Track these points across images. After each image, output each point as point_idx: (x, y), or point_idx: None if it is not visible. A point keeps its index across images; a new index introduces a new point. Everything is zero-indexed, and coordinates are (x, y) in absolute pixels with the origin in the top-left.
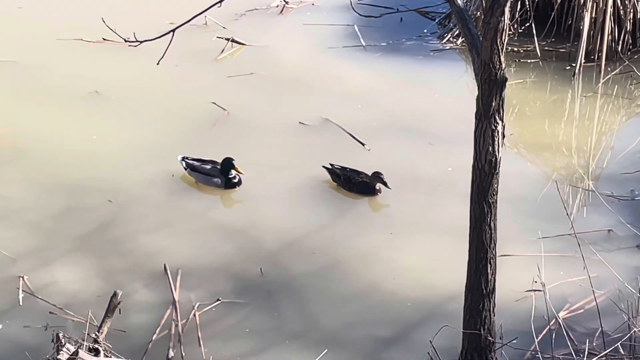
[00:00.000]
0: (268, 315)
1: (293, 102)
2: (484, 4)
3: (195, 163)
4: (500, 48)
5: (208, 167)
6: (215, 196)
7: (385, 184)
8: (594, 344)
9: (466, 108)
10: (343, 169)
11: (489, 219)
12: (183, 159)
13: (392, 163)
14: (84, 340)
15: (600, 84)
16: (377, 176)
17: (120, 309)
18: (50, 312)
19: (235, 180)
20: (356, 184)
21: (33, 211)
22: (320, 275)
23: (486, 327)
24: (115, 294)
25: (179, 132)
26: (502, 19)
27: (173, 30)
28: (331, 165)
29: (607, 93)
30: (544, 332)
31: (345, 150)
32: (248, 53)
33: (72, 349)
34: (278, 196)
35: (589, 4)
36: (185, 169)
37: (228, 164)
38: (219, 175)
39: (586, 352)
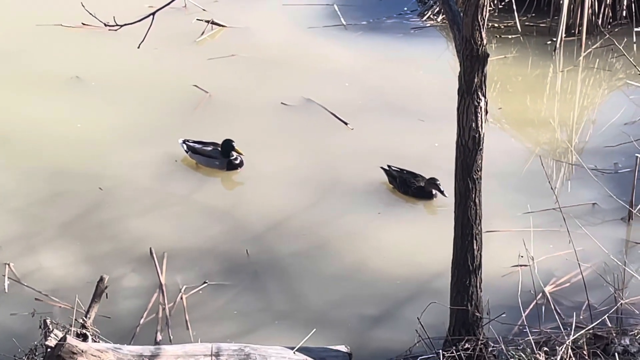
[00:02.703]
0: (255, 296)
1: (275, 83)
2: None
3: (197, 145)
4: (481, 24)
5: (209, 149)
6: (201, 179)
7: (441, 192)
8: (581, 317)
9: (448, 85)
10: (400, 171)
11: (473, 195)
12: (184, 141)
13: (375, 141)
14: (71, 326)
15: (581, 58)
16: (433, 182)
17: (107, 294)
18: (36, 299)
19: (237, 162)
20: (412, 188)
21: (17, 198)
22: (308, 255)
23: (473, 303)
24: (101, 279)
25: (162, 115)
26: None
27: (153, 14)
28: (388, 166)
29: (589, 67)
30: (531, 306)
31: (328, 130)
32: (228, 35)
33: (60, 334)
34: (262, 177)
35: None
36: (187, 152)
37: (228, 145)
38: (220, 157)
39: (573, 326)
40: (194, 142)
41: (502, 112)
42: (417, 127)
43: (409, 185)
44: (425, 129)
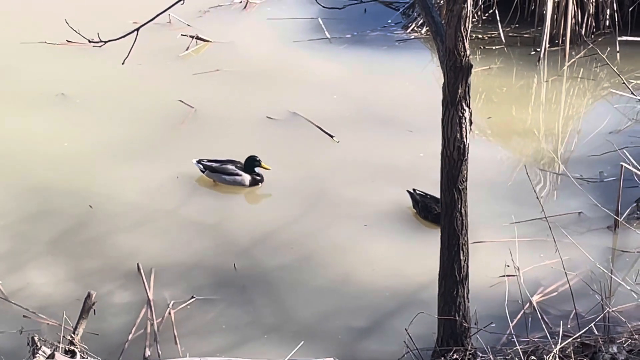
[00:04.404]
0: (244, 310)
1: (260, 97)
2: None
3: (214, 164)
4: (464, 35)
5: (231, 167)
6: (188, 194)
7: None
8: (569, 325)
9: (433, 96)
10: (423, 196)
11: (459, 206)
12: (198, 161)
13: (361, 153)
14: (59, 343)
15: (565, 68)
16: None
17: (95, 310)
18: (24, 316)
19: (259, 178)
20: (432, 214)
21: (4, 215)
22: (295, 268)
23: (461, 313)
24: (89, 295)
25: (148, 131)
26: (466, 6)
27: (137, 29)
28: (414, 190)
29: (573, 76)
30: (519, 316)
31: (314, 143)
32: (213, 50)
33: (48, 351)
34: (248, 191)
35: None
36: (203, 172)
37: (253, 161)
38: (243, 173)
39: (561, 334)
40: (210, 160)
41: (487, 122)
42: (403, 138)
43: (430, 211)
44: (410, 140)
